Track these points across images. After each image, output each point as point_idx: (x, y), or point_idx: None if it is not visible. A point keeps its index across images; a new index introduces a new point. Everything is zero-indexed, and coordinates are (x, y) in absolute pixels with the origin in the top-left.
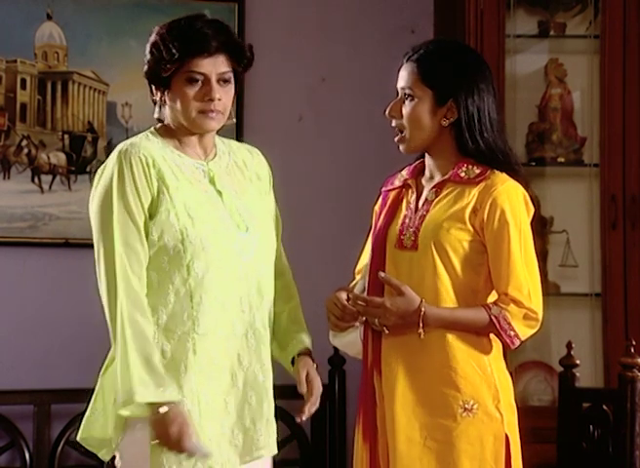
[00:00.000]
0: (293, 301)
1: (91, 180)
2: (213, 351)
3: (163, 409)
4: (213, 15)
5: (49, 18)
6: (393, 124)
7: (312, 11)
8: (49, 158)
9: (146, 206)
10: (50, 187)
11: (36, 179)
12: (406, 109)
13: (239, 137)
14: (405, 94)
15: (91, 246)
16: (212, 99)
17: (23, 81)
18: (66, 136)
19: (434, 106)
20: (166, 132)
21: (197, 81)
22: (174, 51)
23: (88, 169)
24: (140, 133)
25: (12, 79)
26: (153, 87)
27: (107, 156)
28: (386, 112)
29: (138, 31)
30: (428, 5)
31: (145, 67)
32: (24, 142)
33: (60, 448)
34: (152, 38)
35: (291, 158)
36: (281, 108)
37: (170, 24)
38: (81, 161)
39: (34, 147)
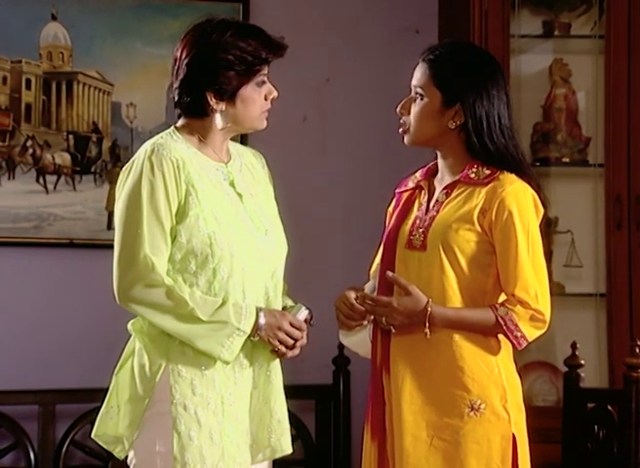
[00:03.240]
0: None
1: (95, 181)
2: None
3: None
4: (211, 15)
5: (53, 18)
6: (402, 121)
7: (316, 11)
8: (54, 158)
9: (174, 210)
10: (54, 187)
11: (41, 180)
12: (414, 108)
13: (243, 138)
14: (416, 92)
15: (95, 246)
16: (274, 97)
17: (28, 81)
18: (71, 137)
19: (442, 108)
20: (187, 131)
21: (265, 83)
22: (249, 58)
23: (92, 169)
24: (144, 133)
25: (17, 79)
26: (213, 96)
27: (112, 156)
28: (397, 109)
29: (142, 32)
30: (433, 5)
31: (203, 79)
32: (29, 143)
33: (64, 449)
34: (208, 47)
35: (295, 158)
36: (285, 109)
37: (232, 32)
38: (86, 161)
39: (39, 147)
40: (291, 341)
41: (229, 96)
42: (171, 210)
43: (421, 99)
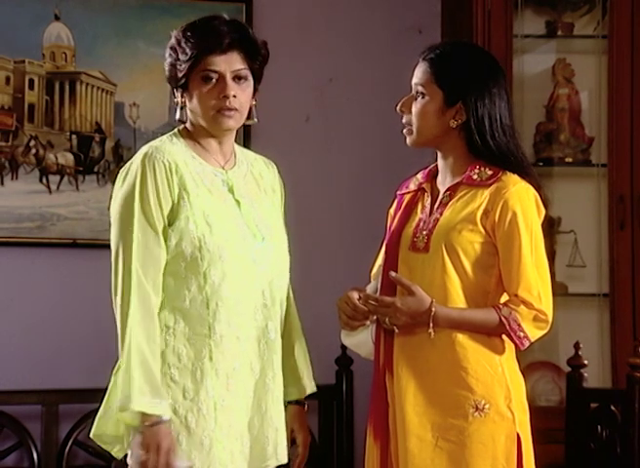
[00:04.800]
0: (301, 343)
1: (98, 181)
2: (227, 358)
3: (155, 422)
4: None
5: (56, 18)
6: (403, 119)
7: (320, 11)
8: (57, 158)
9: (166, 212)
10: (58, 188)
11: (44, 180)
12: (416, 106)
13: (246, 138)
14: (417, 91)
15: (98, 246)
16: (226, 97)
17: (31, 81)
18: (74, 137)
19: (443, 107)
20: (188, 134)
21: (212, 79)
22: (187, 50)
23: (95, 169)
24: (147, 133)
25: (20, 79)
26: (174, 89)
27: (115, 156)
28: (398, 107)
29: (145, 32)
30: (436, 5)
31: (166, 71)
32: (32, 143)
33: (67, 449)
34: (170, 41)
35: (298, 158)
36: (288, 109)
37: (186, 25)
38: (89, 161)
39: (42, 148)
40: None
41: (181, 87)
42: (163, 213)
43: (423, 98)
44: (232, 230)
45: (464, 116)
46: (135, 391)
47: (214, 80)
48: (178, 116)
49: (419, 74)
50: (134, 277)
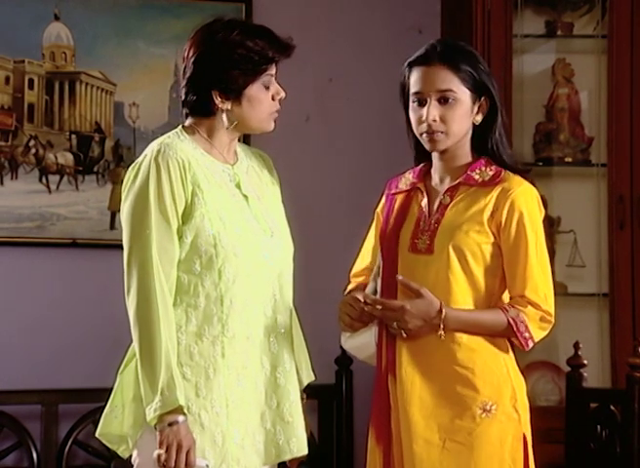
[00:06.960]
0: (298, 334)
1: (98, 181)
2: (239, 354)
3: (175, 421)
4: (220, 15)
5: (56, 18)
6: (433, 128)
7: (319, 11)
8: (56, 158)
9: (180, 211)
10: (57, 187)
11: (44, 179)
12: (449, 112)
13: (246, 138)
14: (444, 97)
15: (98, 246)
16: (281, 99)
17: (31, 81)
18: (74, 137)
19: (472, 105)
20: (194, 131)
21: (272, 83)
22: (268, 56)
23: (95, 169)
24: (146, 133)
25: (19, 79)
26: (218, 95)
27: (115, 156)
28: (429, 120)
29: (145, 31)
30: (436, 5)
31: (209, 77)
32: (32, 143)
33: (67, 448)
34: (222, 46)
35: (298, 158)
36: (288, 108)
37: (245, 31)
38: (88, 161)
39: (42, 147)
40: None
41: (235, 95)
42: (177, 210)
43: (455, 102)
44: (244, 226)
45: (485, 110)
46: (177, 386)
47: (273, 84)
48: (227, 124)
49: (442, 78)
50: (155, 274)
